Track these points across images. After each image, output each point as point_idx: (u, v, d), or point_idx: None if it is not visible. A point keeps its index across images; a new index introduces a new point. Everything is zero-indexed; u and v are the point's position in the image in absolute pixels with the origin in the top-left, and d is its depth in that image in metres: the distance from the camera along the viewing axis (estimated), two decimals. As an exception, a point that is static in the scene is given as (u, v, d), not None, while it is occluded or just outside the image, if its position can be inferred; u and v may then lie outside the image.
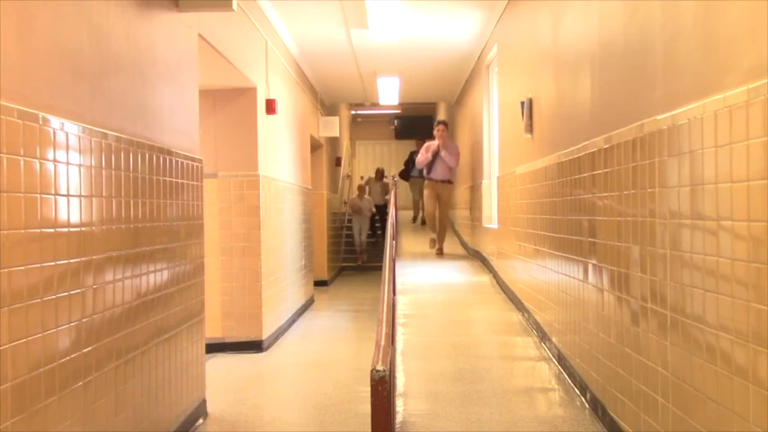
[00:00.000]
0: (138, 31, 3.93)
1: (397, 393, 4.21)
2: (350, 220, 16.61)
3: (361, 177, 19.84)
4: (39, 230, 2.75)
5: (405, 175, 15.91)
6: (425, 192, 10.29)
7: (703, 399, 2.44)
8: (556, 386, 4.49)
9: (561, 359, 4.70)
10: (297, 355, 7.47)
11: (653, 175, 2.88)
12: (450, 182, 10.21)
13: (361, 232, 16.31)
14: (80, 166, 3.11)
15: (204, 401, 5.08)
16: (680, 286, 2.62)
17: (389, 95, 13.09)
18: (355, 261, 16.52)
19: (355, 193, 17.17)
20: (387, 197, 16.06)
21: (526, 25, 6.29)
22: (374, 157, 20.63)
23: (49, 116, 2.84)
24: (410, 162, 15.14)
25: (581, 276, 4.11)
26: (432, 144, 10.09)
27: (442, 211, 10.19)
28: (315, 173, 12.14)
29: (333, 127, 12.66)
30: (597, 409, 3.80)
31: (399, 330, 5.87)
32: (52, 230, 2.85)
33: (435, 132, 10.09)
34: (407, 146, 20.02)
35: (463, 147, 12.64)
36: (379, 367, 2.24)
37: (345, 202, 16.81)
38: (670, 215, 2.71)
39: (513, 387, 4.51)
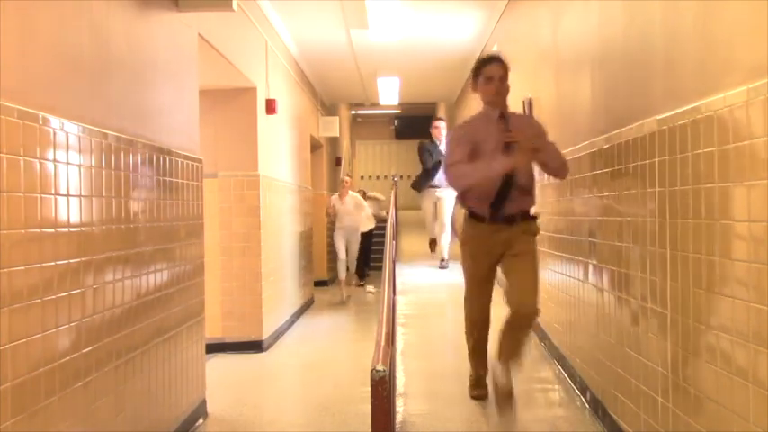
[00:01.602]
0: (137, 31, 3.92)
1: (397, 393, 4.21)
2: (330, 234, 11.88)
3: (345, 173, 13.78)
4: (39, 230, 2.75)
5: (422, 183, 9.23)
6: (467, 250, 3.97)
7: (703, 399, 2.44)
8: (556, 386, 4.49)
9: (561, 359, 4.69)
10: (297, 355, 7.46)
11: (653, 175, 2.88)
12: (533, 218, 3.94)
13: (348, 248, 11.21)
14: (80, 166, 3.10)
15: (204, 401, 5.08)
16: (680, 286, 2.62)
17: (389, 95, 13.08)
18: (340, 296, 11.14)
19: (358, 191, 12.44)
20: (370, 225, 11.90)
21: (526, 25, 6.29)
22: (374, 157, 20.61)
23: (49, 116, 2.84)
24: (431, 161, 8.89)
25: (581, 276, 4.11)
26: (474, 122, 3.99)
27: (517, 307, 3.64)
28: (315, 173, 12.13)
29: (333, 127, 12.65)
30: (597, 409, 3.80)
31: (399, 330, 5.87)
32: (52, 230, 2.85)
33: (487, 86, 3.84)
34: (408, 146, 19.98)
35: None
36: (379, 367, 2.24)
37: (328, 214, 11.69)
38: (670, 215, 2.71)
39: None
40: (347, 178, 11.73)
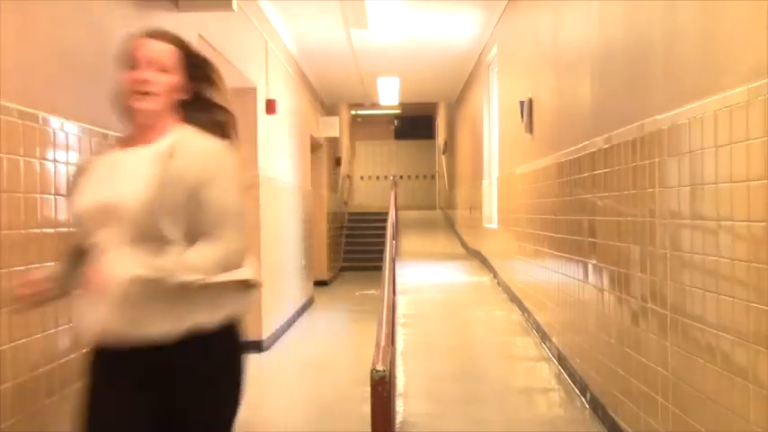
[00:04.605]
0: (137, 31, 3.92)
1: (397, 393, 4.21)
2: None
3: None
4: (39, 230, 2.75)
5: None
6: None
7: (703, 399, 2.44)
8: (556, 386, 4.48)
9: (561, 359, 4.69)
10: (297, 355, 7.46)
11: (653, 175, 2.88)
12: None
13: None
14: (80, 166, 3.10)
15: (204, 401, 5.07)
16: (680, 286, 2.62)
17: (389, 95, 13.08)
18: None
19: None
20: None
21: (526, 25, 6.28)
22: (374, 157, 20.61)
23: (48, 116, 2.84)
24: None
25: (581, 276, 4.11)
26: None
27: None
28: (315, 173, 12.12)
29: (333, 127, 12.65)
30: (597, 409, 3.80)
31: (399, 330, 5.87)
32: (52, 230, 2.85)
33: None
34: (408, 146, 19.99)
35: (463, 146, 12.64)
36: (379, 367, 2.24)
37: None
38: (670, 215, 2.71)
39: (514, 387, 4.51)
40: None
